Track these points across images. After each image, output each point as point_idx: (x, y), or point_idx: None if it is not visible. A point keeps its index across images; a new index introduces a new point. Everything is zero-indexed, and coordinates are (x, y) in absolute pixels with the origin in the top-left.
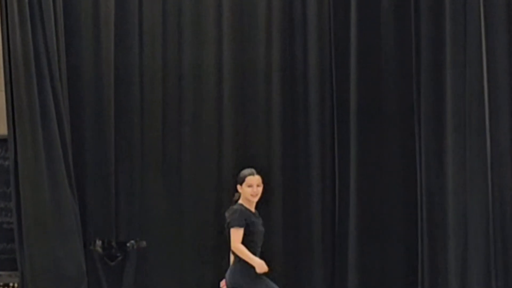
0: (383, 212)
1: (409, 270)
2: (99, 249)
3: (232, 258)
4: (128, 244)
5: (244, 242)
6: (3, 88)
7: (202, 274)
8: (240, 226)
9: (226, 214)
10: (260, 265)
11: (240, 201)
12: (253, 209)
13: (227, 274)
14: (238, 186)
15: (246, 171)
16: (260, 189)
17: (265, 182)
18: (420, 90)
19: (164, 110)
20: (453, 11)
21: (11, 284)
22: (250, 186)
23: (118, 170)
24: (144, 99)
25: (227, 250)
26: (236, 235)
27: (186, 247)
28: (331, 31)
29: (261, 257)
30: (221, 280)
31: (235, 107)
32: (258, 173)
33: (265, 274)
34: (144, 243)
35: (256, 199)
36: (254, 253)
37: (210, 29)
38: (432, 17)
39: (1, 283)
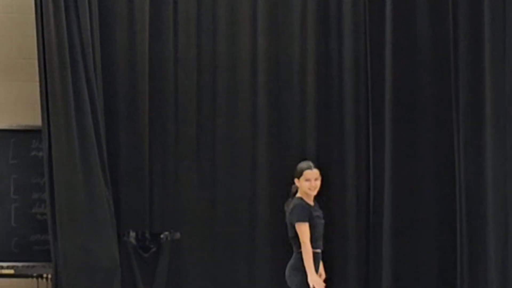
0: (418, 205)
1: (445, 264)
2: (133, 241)
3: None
4: (162, 236)
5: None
6: (37, 79)
7: (236, 266)
8: (304, 220)
9: (286, 208)
10: (315, 281)
11: (298, 195)
12: (311, 202)
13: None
14: (296, 180)
15: (303, 165)
16: (318, 182)
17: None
18: (458, 82)
19: (198, 101)
20: (492, 1)
21: (44, 275)
22: (308, 180)
23: (152, 161)
24: (178, 90)
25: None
26: (303, 229)
27: (220, 239)
28: (366, 23)
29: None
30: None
31: (270, 99)
32: (316, 166)
33: None
34: (178, 235)
35: (314, 192)
36: (314, 249)
37: (245, 20)
38: (470, 7)
39: (35, 274)
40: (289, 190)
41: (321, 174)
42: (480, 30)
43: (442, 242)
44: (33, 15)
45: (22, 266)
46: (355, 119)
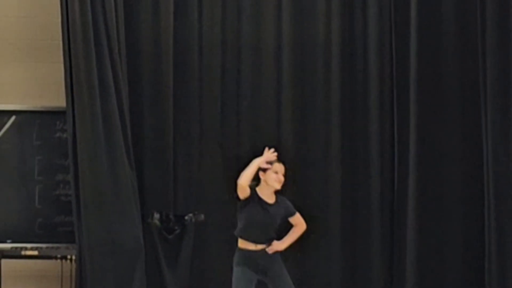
0: (442, 188)
1: (469, 248)
2: (157, 222)
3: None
4: (186, 217)
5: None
6: (61, 60)
7: None
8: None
9: None
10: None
11: (257, 189)
12: (268, 199)
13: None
14: (261, 173)
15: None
16: (283, 178)
17: (324, 156)
18: (485, 63)
19: (222, 83)
20: None
21: (68, 257)
22: (276, 172)
23: (176, 143)
24: (202, 72)
25: None
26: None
27: None
28: (391, 4)
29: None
30: None
31: (294, 80)
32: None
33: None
34: (202, 217)
35: (280, 186)
36: (249, 239)
37: (270, 1)
38: None
39: (59, 256)
40: (310, 174)
41: (345, 155)
42: (508, 10)
43: (469, 233)
44: None
45: (46, 248)
46: (380, 102)
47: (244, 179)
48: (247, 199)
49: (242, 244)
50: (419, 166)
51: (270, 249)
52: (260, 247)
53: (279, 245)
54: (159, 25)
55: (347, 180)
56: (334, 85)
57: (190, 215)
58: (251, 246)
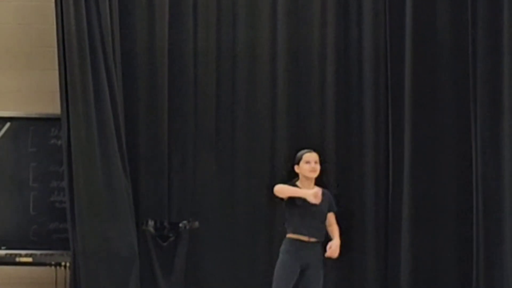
0: (437, 197)
1: (463, 256)
2: (151, 229)
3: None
4: (180, 225)
5: (295, 220)
6: (56, 67)
7: (255, 255)
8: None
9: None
10: (306, 193)
11: (298, 183)
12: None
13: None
14: (296, 167)
15: (302, 151)
16: (318, 166)
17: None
18: (476, 73)
19: (217, 91)
20: None
21: (63, 264)
22: (308, 162)
23: (171, 150)
24: (197, 79)
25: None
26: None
27: (239, 228)
28: (386, 11)
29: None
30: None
31: (289, 88)
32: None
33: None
34: (196, 224)
35: (314, 175)
36: (303, 233)
37: (265, 9)
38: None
39: (53, 262)
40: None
41: (340, 163)
42: (498, 20)
43: (460, 235)
44: (53, 3)
45: (41, 254)
46: (375, 109)
47: (279, 191)
48: (292, 197)
49: (294, 235)
50: (413, 174)
51: (329, 253)
52: (312, 239)
53: (334, 252)
54: (154, 33)
55: (341, 188)
56: (329, 92)
57: (185, 222)
58: (304, 238)
